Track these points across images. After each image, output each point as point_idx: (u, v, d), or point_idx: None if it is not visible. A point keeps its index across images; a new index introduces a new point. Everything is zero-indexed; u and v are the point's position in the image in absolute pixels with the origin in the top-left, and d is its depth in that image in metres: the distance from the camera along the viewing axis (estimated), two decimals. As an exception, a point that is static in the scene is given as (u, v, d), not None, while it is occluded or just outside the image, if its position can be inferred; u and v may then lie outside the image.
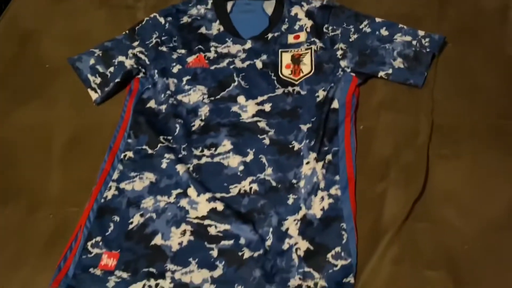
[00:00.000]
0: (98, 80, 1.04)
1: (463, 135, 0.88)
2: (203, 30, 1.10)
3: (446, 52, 0.99)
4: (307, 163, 0.88)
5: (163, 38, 1.08)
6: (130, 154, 0.94)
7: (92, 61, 1.06)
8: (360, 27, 1.04)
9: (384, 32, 1.02)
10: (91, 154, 0.95)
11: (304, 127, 0.93)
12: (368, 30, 1.03)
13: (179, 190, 0.88)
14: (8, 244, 0.86)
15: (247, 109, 0.97)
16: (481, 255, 0.75)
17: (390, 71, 0.97)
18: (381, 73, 0.97)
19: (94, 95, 1.04)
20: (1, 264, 0.84)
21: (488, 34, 1.01)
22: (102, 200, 0.88)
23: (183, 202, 0.86)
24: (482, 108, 0.91)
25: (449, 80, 0.96)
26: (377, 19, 1.04)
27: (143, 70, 1.05)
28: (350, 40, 1.02)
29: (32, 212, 0.89)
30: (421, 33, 1.00)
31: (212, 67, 1.04)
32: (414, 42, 0.99)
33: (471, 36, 1.01)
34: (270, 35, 1.07)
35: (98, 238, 0.84)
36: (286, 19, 1.09)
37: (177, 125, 0.96)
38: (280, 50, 1.05)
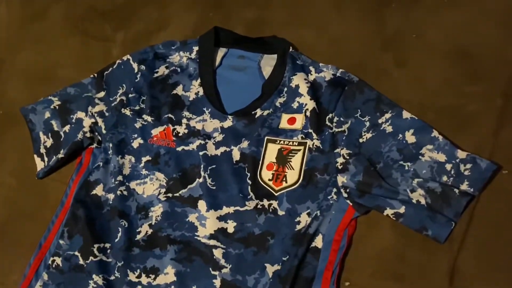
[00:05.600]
0: (49, 142, 0.86)
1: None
2: (179, 90, 0.86)
3: (497, 184, 0.68)
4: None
5: (130, 95, 0.86)
6: (58, 260, 0.77)
7: (47, 115, 0.88)
8: (379, 121, 0.74)
9: (410, 137, 0.72)
10: (21, 247, 0.81)
11: (270, 269, 0.70)
12: (389, 129, 0.73)
13: None
14: None
15: (205, 222, 0.75)
16: None
17: (402, 209, 0.68)
18: (388, 211, 0.69)
19: (39, 164, 0.86)
20: None
21: None
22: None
23: None
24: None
25: (485, 238, 0.66)
26: (405, 114, 0.74)
27: (99, 137, 0.85)
28: (361, 141, 0.74)
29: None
30: (461, 154, 0.69)
31: (179, 148, 0.81)
32: (447, 167, 0.69)
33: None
34: (258, 112, 0.81)
35: None
36: (285, 90, 0.81)
37: (120, 229, 0.77)
38: (266, 138, 0.79)
